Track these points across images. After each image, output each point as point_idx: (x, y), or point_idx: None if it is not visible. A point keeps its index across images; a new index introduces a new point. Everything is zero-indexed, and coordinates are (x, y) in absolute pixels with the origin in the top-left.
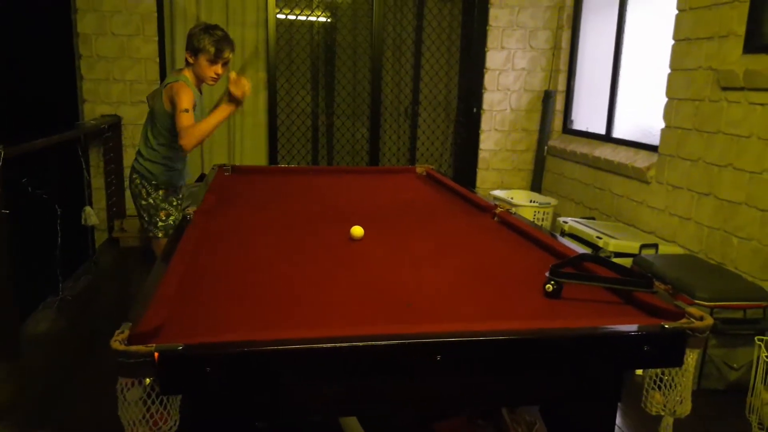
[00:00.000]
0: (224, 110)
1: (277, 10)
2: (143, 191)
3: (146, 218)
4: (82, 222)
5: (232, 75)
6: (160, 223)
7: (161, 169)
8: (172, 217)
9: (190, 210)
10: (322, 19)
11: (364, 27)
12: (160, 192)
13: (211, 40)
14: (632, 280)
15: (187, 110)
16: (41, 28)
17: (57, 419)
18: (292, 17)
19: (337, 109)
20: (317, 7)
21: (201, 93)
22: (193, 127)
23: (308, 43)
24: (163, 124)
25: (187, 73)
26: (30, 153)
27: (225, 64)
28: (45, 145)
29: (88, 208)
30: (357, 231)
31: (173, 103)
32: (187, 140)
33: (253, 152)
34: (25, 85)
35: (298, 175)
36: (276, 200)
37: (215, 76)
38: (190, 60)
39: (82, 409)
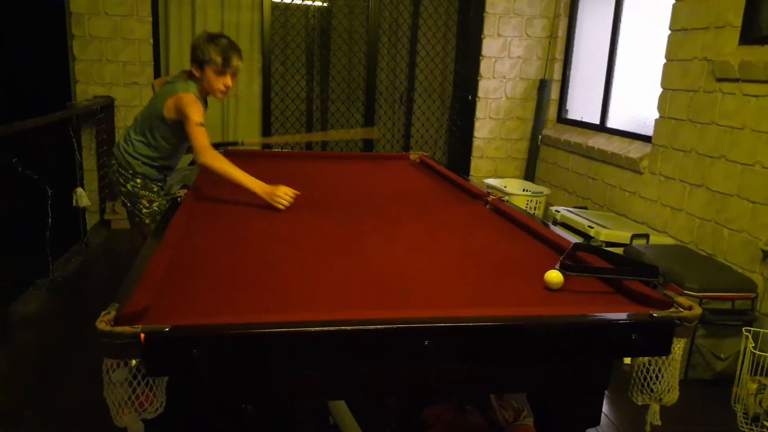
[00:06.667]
0: (252, 184)
1: None
2: (120, 179)
3: (129, 205)
4: (74, 203)
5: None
6: (144, 210)
7: (138, 163)
8: (156, 203)
9: (182, 192)
10: (318, 3)
11: (361, 12)
12: (138, 180)
13: (216, 50)
14: (639, 270)
15: (202, 124)
16: (33, 6)
17: (46, 399)
18: (287, 1)
19: (332, 95)
20: None
21: (207, 105)
22: (221, 160)
23: (303, 27)
24: (153, 125)
25: (195, 86)
26: (21, 133)
27: (234, 75)
28: (36, 126)
29: (79, 190)
30: None
31: (180, 113)
32: (207, 161)
33: (247, 136)
34: (17, 64)
35: (292, 160)
36: (268, 184)
37: (224, 89)
38: (196, 73)
39: (72, 389)
